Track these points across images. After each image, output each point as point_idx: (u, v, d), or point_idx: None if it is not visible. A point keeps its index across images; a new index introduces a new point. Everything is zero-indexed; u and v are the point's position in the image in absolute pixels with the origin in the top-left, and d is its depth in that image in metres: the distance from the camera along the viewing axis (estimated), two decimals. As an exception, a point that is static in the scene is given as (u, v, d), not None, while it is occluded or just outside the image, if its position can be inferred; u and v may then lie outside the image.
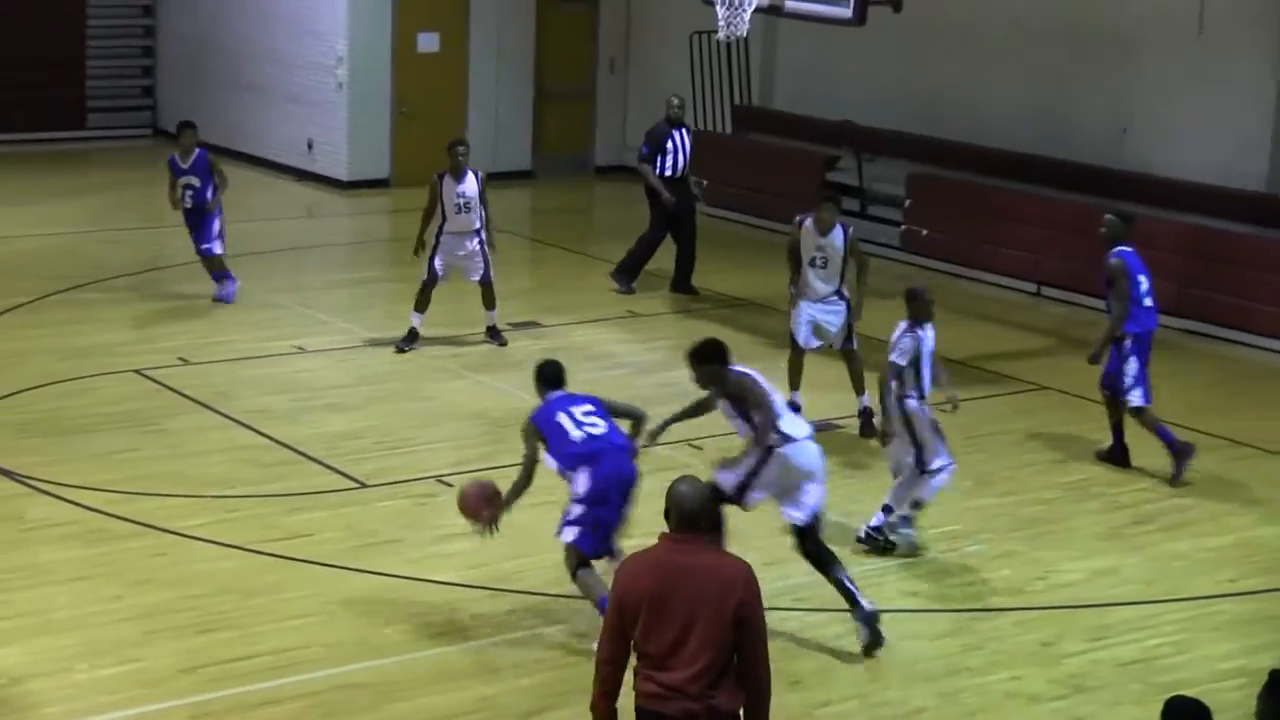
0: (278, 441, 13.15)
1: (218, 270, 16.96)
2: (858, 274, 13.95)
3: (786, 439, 9.88)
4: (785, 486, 9.96)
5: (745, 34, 15.92)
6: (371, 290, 18.09)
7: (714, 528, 6.77)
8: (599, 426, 10.10)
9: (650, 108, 23.32)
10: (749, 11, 15.41)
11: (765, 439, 9.86)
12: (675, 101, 18.16)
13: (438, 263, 15.48)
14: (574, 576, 10.00)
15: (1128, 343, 13.09)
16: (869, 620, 9.95)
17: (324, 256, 19.79)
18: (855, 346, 13.96)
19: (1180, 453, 12.98)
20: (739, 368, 10.13)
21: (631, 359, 15.70)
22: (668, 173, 17.89)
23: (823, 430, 13.71)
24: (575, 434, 10.01)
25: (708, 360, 10.06)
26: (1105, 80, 18.95)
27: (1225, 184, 17.71)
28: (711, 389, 10.17)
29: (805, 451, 9.97)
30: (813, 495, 9.97)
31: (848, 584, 10.03)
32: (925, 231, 19.44)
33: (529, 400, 14.17)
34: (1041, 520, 12.19)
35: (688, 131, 18.10)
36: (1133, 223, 13.43)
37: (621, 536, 10.03)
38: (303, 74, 23.09)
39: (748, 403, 9.95)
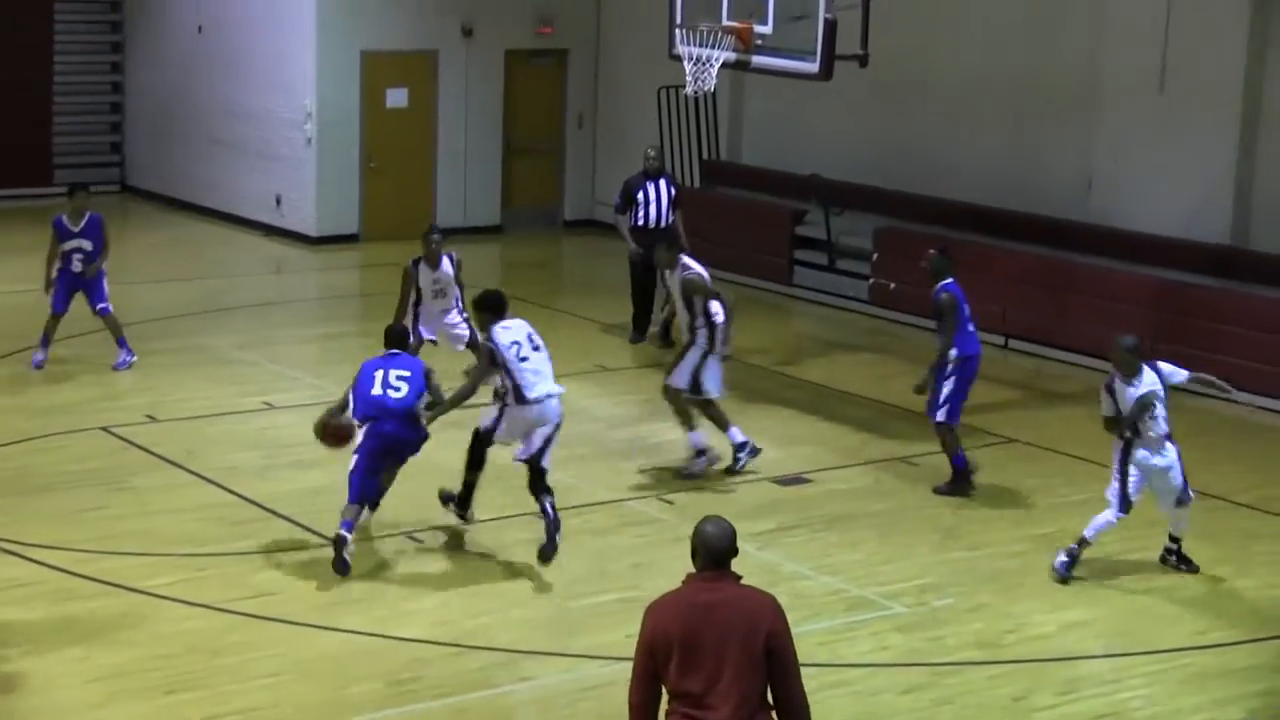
0: (246, 499, 13.09)
1: (120, 334, 16.46)
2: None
3: (522, 400, 11.89)
4: (521, 432, 12.00)
5: (713, 89, 15.98)
6: (341, 345, 18.04)
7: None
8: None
9: (619, 162, 23.42)
10: (716, 66, 15.48)
11: (473, 388, 12.18)
12: (651, 153, 18.21)
13: (423, 330, 15.09)
14: None
15: (950, 365, 13.49)
16: (550, 529, 11.76)
17: (293, 312, 19.76)
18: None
19: (960, 476, 13.61)
20: (502, 325, 12.07)
21: (602, 413, 15.69)
22: (639, 223, 17.90)
23: (790, 484, 13.74)
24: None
25: (481, 308, 12.26)
26: (1070, 135, 19.08)
27: (1189, 237, 17.81)
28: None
29: (536, 410, 11.91)
30: (537, 441, 11.91)
31: (549, 511, 11.82)
32: (893, 285, 19.50)
33: (501, 455, 14.18)
34: (1012, 573, 12.19)
35: (668, 182, 18.06)
36: (952, 258, 14.01)
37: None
38: (271, 129, 23.12)
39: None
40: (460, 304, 15.35)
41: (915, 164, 20.32)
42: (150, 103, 25.48)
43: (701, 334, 13.92)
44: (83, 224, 16.24)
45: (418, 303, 15.12)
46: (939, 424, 13.61)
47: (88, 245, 16.25)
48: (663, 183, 17.96)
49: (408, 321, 14.92)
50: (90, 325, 17.81)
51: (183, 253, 22.27)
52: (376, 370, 11.99)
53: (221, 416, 15.15)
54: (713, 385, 13.87)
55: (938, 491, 13.66)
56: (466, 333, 15.27)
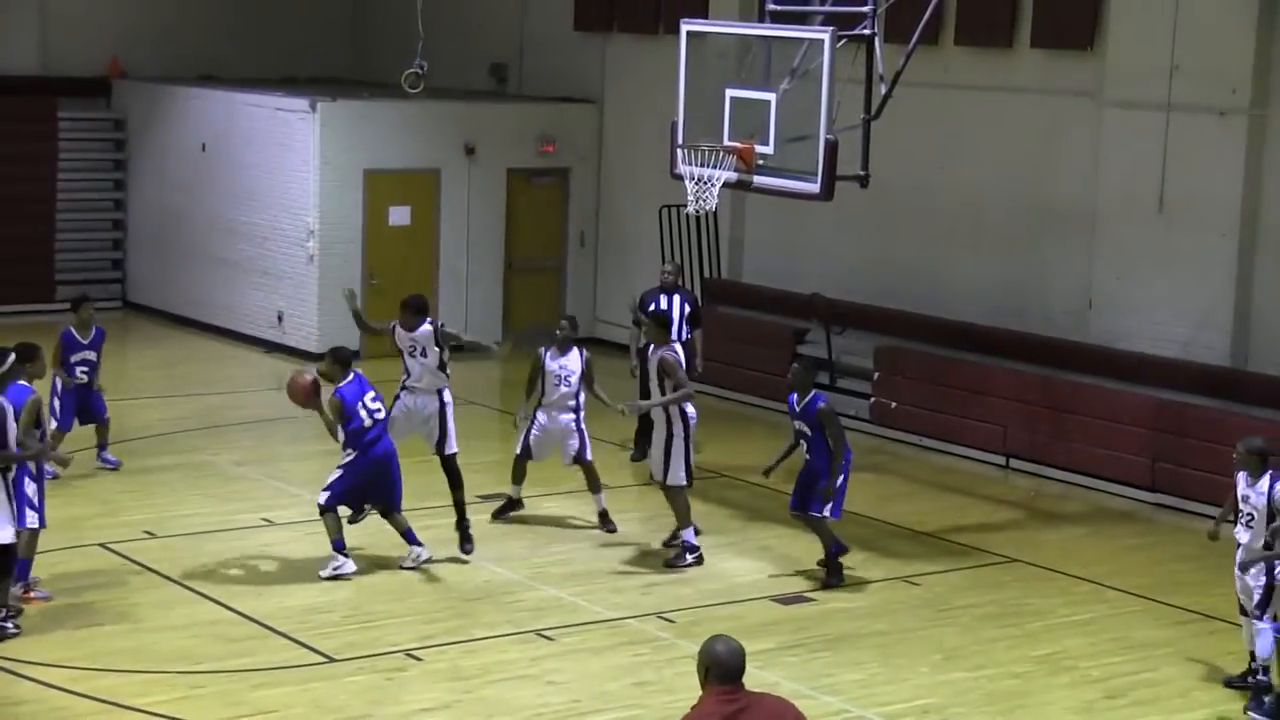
0: (244, 615, 13.02)
1: (107, 440, 16.95)
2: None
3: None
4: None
5: (714, 208, 16.07)
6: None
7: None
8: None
9: (620, 281, 23.53)
10: (718, 186, 15.57)
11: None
12: (668, 268, 18.30)
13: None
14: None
15: (841, 464, 14.15)
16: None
17: (293, 428, 19.71)
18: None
19: (833, 567, 14.21)
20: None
21: (602, 531, 15.63)
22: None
23: (791, 604, 13.67)
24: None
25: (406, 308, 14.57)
26: (1069, 256, 19.17)
27: (1188, 357, 17.85)
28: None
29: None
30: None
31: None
32: (894, 404, 19.51)
33: (500, 573, 14.14)
34: (1014, 695, 12.10)
35: (684, 298, 18.07)
36: (815, 369, 14.97)
37: None
38: (274, 247, 23.23)
39: None
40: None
41: (916, 283, 20.41)
42: (153, 219, 25.62)
43: (678, 424, 14.68)
44: (90, 336, 16.58)
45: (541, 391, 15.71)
46: (824, 519, 14.12)
47: (93, 357, 16.60)
48: (678, 298, 17.94)
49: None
50: (89, 441, 17.81)
51: (184, 369, 22.30)
52: (358, 403, 13.81)
53: (220, 532, 15.09)
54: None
55: (828, 587, 14.10)
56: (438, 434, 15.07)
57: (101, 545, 14.57)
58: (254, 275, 23.56)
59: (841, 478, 14.15)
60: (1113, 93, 18.54)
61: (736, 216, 22.50)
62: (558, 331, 15.61)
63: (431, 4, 20.44)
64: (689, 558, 14.61)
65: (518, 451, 15.76)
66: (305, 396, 13.95)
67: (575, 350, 15.64)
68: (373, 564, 14.43)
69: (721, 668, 6.98)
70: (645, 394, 18.13)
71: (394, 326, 15.02)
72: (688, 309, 17.87)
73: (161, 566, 14.07)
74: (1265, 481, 11.92)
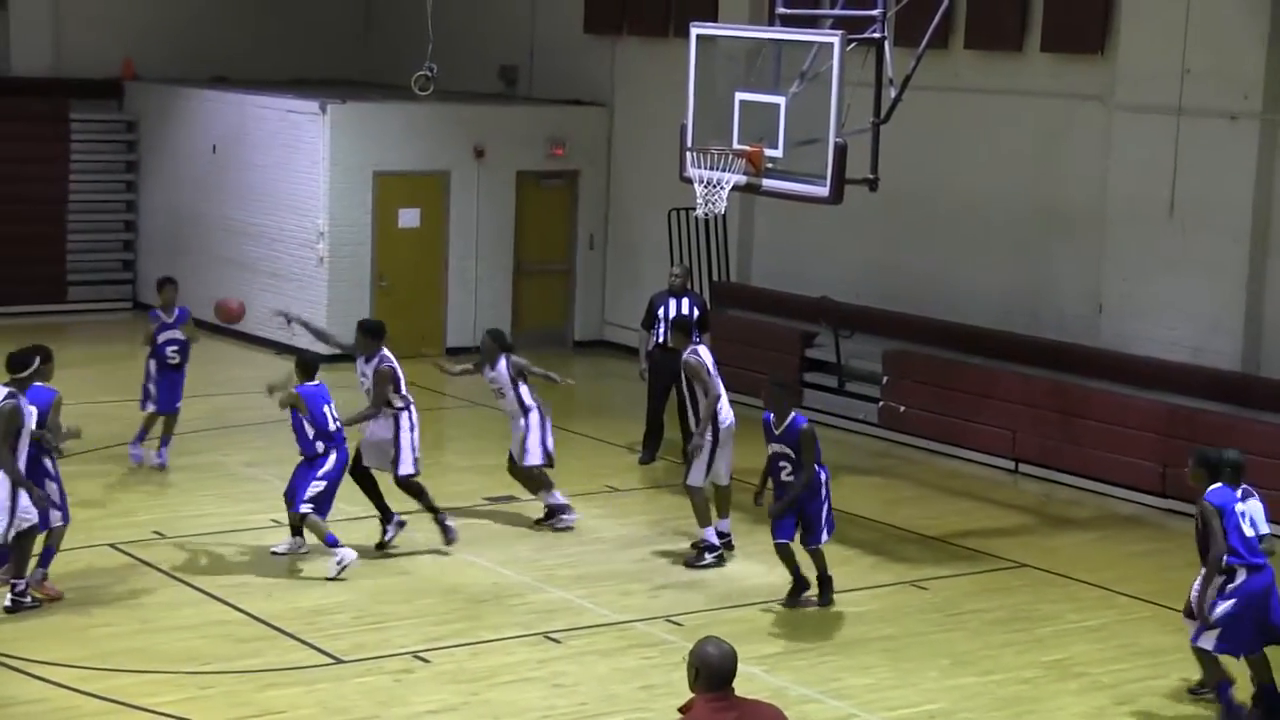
0: (252, 616, 13.03)
1: (171, 434, 17.20)
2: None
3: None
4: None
5: (723, 211, 16.07)
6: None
7: None
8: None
9: (629, 283, 23.53)
10: (727, 189, 15.57)
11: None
12: (676, 271, 18.30)
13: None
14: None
15: (823, 488, 13.67)
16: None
17: (302, 430, 19.73)
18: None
19: (826, 583, 13.81)
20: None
21: (610, 533, 15.64)
22: (659, 340, 17.90)
23: (798, 608, 13.66)
24: None
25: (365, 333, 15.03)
26: (1079, 259, 19.15)
27: (1198, 362, 17.82)
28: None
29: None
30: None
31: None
32: (903, 408, 19.50)
33: (509, 576, 14.15)
34: (1023, 700, 12.08)
35: (692, 301, 18.04)
36: (792, 388, 14.58)
37: None
38: (283, 249, 23.25)
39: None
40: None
41: (925, 287, 20.39)
42: (163, 221, 25.65)
43: (709, 432, 14.73)
44: (175, 316, 17.08)
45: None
46: (819, 550, 13.72)
47: (181, 336, 17.11)
48: (686, 301, 17.93)
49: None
50: (101, 440, 17.84)
51: (193, 370, 22.16)
52: (324, 405, 14.36)
53: (230, 533, 15.10)
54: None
55: (825, 604, 13.76)
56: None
57: (111, 545, 14.59)
58: (263, 277, 23.58)
59: (825, 504, 13.69)
60: (1123, 97, 18.52)
61: (745, 220, 22.49)
62: (480, 345, 15.79)
63: (441, 7, 20.47)
64: (708, 557, 14.63)
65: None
66: (232, 313, 16.06)
67: (503, 360, 15.50)
68: (380, 566, 14.43)
69: (711, 671, 6.96)
70: (655, 396, 18.17)
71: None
72: (696, 312, 17.83)
73: (170, 567, 14.09)
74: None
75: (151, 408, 17.14)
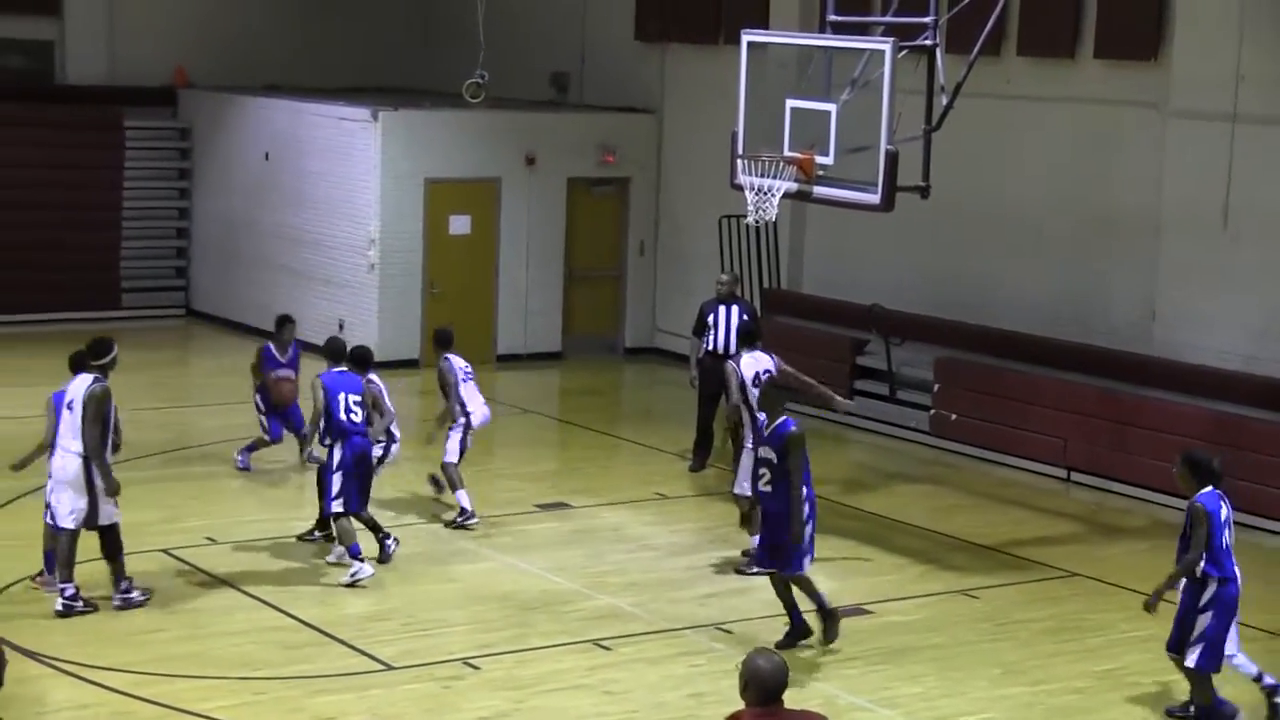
0: (303, 622, 13.08)
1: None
2: None
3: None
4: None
5: (774, 218, 16.06)
6: (399, 469, 18.07)
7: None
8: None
9: (679, 290, 23.54)
10: (777, 196, 15.56)
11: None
12: (723, 278, 18.26)
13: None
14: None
15: (802, 501, 12.67)
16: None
17: (353, 436, 19.82)
18: None
19: (829, 616, 12.92)
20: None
21: (660, 541, 15.65)
22: (709, 347, 17.88)
23: (848, 616, 13.62)
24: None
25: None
26: (1132, 267, 19.05)
27: (1251, 370, 17.70)
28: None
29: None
30: None
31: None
32: (954, 415, 19.44)
33: (558, 583, 14.18)
34: (1075, 710, 12.03)
35: (742, 308, 18.01)
36: (785, 391, 13.72)
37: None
38: (335, 255, 23.35)
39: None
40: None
41: (977, 295, 20.33)
42: (216, 228, 25.80)
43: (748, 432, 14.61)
44: (288, 355, 17.19)
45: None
46: (803, 575, 12.79)
47: (291, 375, 17.19)
48: (735, 308, 17.90)
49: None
50: (152, 447, 17.97)
51: (245, 376, 22.36)
52: (340, 394, 14.25)
53: (281, 540, 15.17)
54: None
55: (830, 640, 12.86)
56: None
57: (164, 551, 14.67)
58: (316, 283, 23.68)
59: (810, 523, 12.75)
60: (1177, 103, 18.43)
61: (796, 227, 22.47)
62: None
63: (493, 15, 20.55)
64: (756, 567, 14.51)
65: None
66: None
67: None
68: (431, 573, 14.47)
69: (762, 684, 6.91)
70: (705, 403, 18.16)
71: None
72: (745, 319, 17.82)
73: (223, 572, 14.16)
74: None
75: (267, 438, 17.33)
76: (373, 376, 14.87)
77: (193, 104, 26.19)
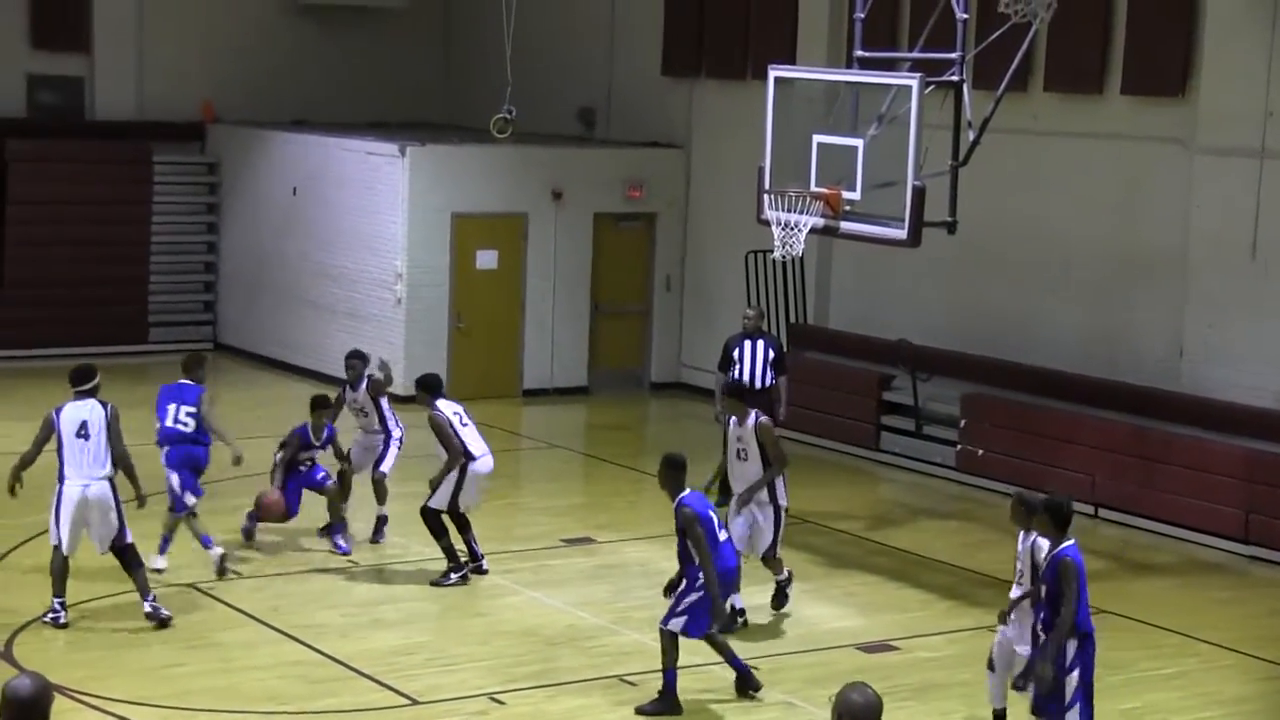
0: (329, 656, 13.07)
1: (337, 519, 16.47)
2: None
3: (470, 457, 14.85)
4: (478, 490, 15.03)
5: (800, 253, 16.05)
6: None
7: None
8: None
9: (705, 325, 23.53)
10: (804, 231, 15.57)
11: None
12: (750, 313, 18.21)
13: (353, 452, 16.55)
14: None
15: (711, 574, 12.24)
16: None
17: (379, 471, 19.82)
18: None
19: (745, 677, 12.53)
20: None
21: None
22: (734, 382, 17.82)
23: (875, 652, 13.56)
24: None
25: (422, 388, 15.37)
26: (1160, 304, 18.99)
27: (1282, 407, 17.63)
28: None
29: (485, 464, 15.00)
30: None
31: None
32: (980, 451, 19.38)
33: (584, 618, 14.15)
34: (1102, 748, 11.94)
35: (768, 343, 17.94)
36: (681, 467, 12.79)
37: None
38: (362, 290, 23.40)
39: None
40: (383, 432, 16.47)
41: (1004, 330, 20.28)
42: (244, 262, 25.88)
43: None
44: (323, 438, 16.18)
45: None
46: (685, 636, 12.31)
47: (320, 454, 16.31)
48: (760, 343, 17.86)
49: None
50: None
51: (272, 410, 22.44)
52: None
53: (306, 573, 15.16)
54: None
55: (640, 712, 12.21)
56: (380, 459, 16.42)
57: (190, 585, 14.67)
58: (342, 318, 23.73)
59: (698, 595, 12.10)
60: (1205, 139, 18.40)
61: (823, 262, 22.46)
62: (350, 369, 16.70)
63: (520, 50, 20.60)
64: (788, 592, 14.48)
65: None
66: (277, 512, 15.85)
67: (364, 383, 16.56)
68: (456, 607, 14.46)
69: (855, 718, 6.96)
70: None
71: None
72: (771, 354, 17.80)
73: (248, 606, 14.15)
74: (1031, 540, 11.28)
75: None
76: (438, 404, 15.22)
77: (221, 139, 26.31)
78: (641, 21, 24.77)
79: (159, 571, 14.50)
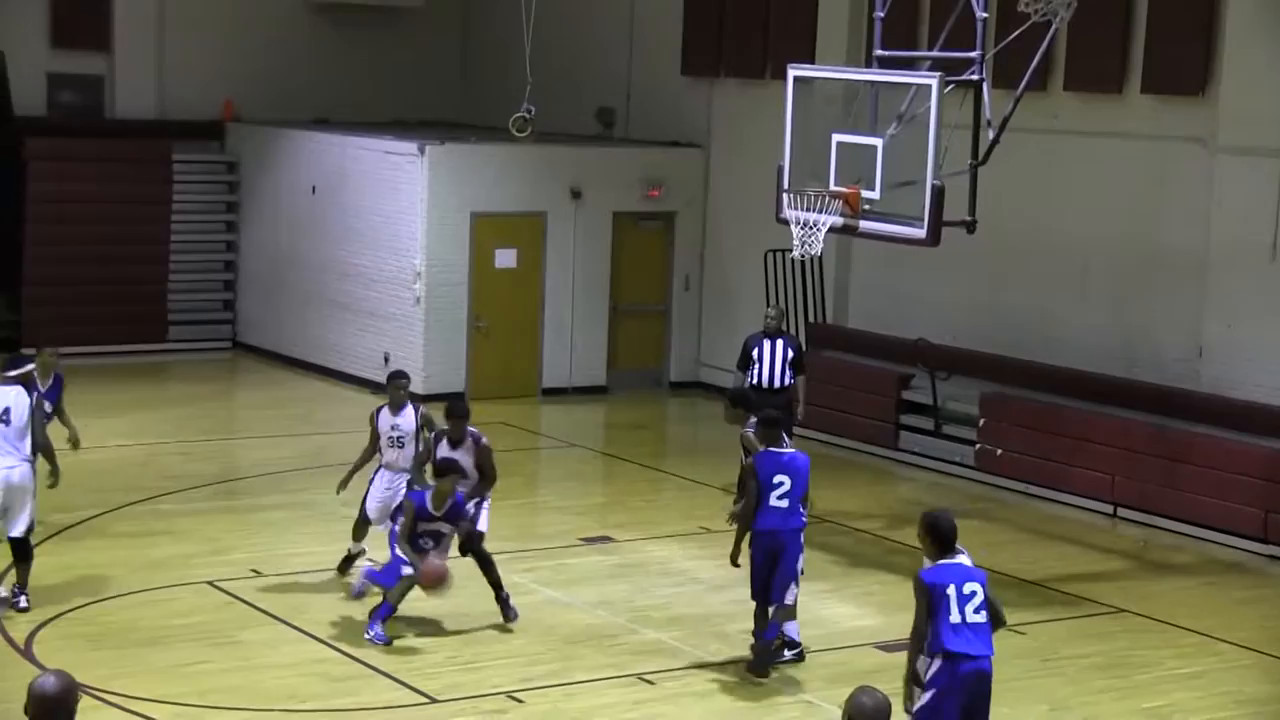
0: (348, 655, 13.09)
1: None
2: None
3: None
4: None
5: (820, 253, 16.04)
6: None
7: None
8: None
9: (724, 325, 23.52)
10: (823, 231, 15.55)
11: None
12: (771, 313, 18.19)
13: (370, 506, 14.68)
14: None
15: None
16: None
17: (398, 469, 19.85)
18: None
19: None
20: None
21: (705, 575, 15.58)
22: (754, 381, 17.81)
23: (896, 651, 13.55)
24: None
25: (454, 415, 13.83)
26: (1180, 303, 18.95)
27: (1302, 407, 17.58)
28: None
29: None
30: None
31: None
32: (999, 450, 19.36)
33: (603, 616, 14.15)
34: (1122, 748, 11.94)
35: (787, 343, 17.93)
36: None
37: None
38: (381, 289, 23.42)
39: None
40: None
41: (1022, 330, 20.26)
42: (263, 261, 25.92)
43: None
44: (446, 508, 13.92)
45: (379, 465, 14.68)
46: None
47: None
48: (780, 343, 17.86)
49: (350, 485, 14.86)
50: (200, 479, 18.02)
51: (292, 409, 22.51)
52: None
53: (326, 572, 15.18)
54: None
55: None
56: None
57: (209, 583, 14.70)
58: (361, 316, 23.76)
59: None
60: (1225, 139, 18.35)
61: (842, 261, 22.45)
62: (399, 390, 14.57)
63: (540, 49, 20.61)
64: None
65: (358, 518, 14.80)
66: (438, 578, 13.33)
67: (410, 408, 14.59)
68: (475, 607, 14.46)
69: None
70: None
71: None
72: (791, 354, 17.79)
73: (267, 605, 14.18)
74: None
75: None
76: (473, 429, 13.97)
77: (240, 138, 26.35)
78: (661, 20, 24.77)
79: None
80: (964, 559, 10.12)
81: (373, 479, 14.79)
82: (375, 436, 14.66)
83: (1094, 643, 14.09)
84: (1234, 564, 16.82)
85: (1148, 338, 19.32)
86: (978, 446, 19.68)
